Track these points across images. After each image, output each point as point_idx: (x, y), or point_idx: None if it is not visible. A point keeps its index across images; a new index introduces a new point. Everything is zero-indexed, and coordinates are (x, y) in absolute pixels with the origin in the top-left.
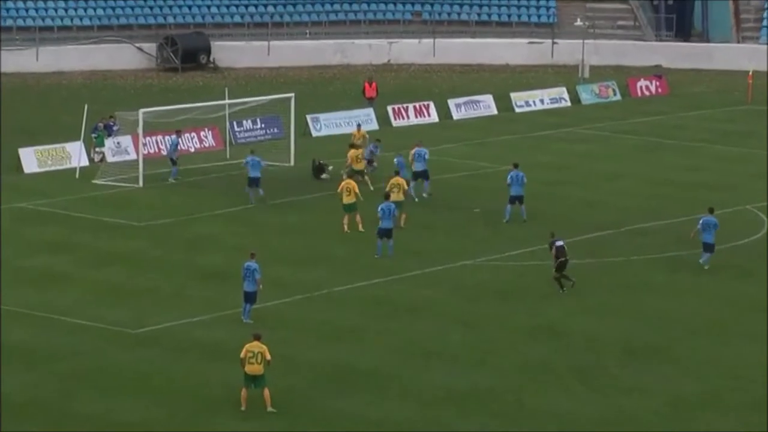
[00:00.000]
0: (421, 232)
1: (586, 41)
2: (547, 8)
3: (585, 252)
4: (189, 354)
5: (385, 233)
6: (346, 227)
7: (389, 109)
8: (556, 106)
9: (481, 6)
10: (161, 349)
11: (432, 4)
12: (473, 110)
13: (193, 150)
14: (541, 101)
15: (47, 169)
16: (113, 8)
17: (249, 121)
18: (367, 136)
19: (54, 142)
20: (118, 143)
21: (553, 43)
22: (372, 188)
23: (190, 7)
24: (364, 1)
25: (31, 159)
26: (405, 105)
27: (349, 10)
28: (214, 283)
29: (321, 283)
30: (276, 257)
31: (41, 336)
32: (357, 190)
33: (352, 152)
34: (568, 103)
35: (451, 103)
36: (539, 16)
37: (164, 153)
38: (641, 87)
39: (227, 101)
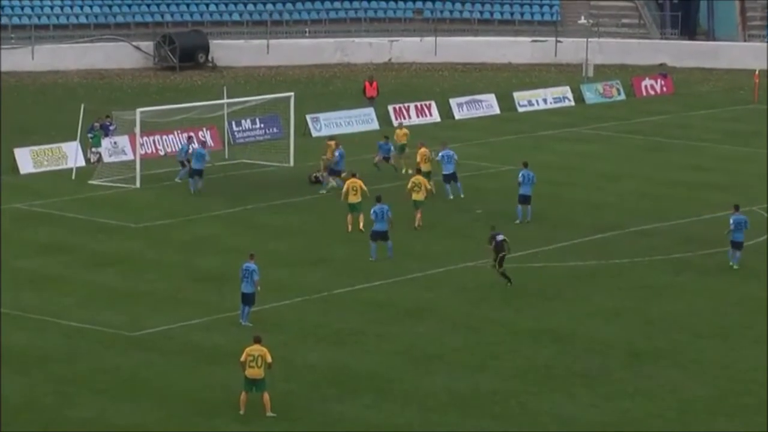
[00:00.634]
0: (423, 233)
1: (590, 40)
2: (551, 6)
3: (590, 254)
4: (186, 357)
5: (380, 236)
6: (350, 227)
7: (390, 108)
8: (559, 105)
9: (483, 4)
10: (158, 352)
11: (433, 2)
12: (475, 110)
13: (190, 150)
14: (545, 101)
15: (43, 169)
16: (110, 6)
17: (248, 121)
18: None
19: (50, 142)
20: (115, 143)
21: (557, 41)
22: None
23: (188, 5)
24: None
25: (27, 159)
26: (406, 104)
27: (350, 8)
28: (212, 285)
29: (321, 286)
30: (275, 259)
31: (36, 339)
32: (364, 188)
33: (422, 151)
34: (572, 103)
35: (453, 102)
36: (542, 14)
37: (161, 153)
38: (646, 86)
39: (226, 101)
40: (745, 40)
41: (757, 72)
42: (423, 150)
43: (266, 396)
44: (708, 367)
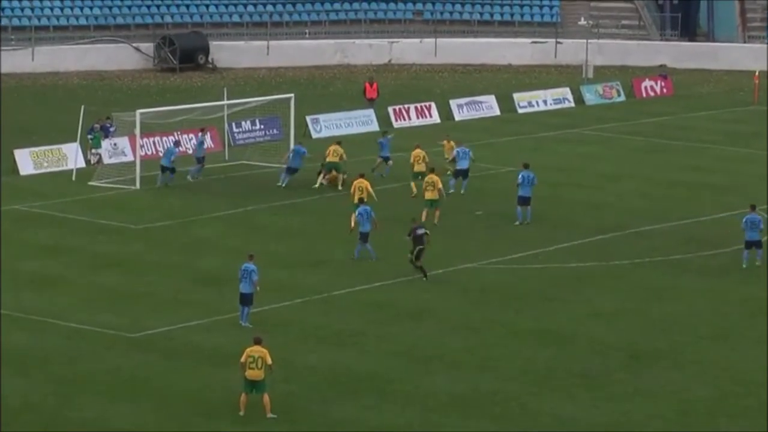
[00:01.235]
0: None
1: (590, 41)
2: (551, 7)
3: (590, 255)
4: (187, 358)
5: (363, 237)
6: (353, 224)
7: (390, 110)
8: (559, 106)
9: (483, 5)
10: (159, 353)
11: (433, 3)
12: (475, 111)
13: (191, 151)
14: (545, 102)
15: (43, 170)
16: (110, 8)
17: (248, 122)
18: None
19: (50, 144)
20: (115, 144)
21: (557, 42)
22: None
23: (188, 7)
24: (365, 0)
25: (27, 160)
26: (406, 106)
27: (350, 9)
28: (213, 286)
29: (321, 287)
30: (275, 260)
31: (36, 340)
32: (370, 189)
33: (416, 152)
34: (572, 104)
35: (453, 103)
36: (542, 16)
37: (161, 153)
38: (646, 87)
39: (226, 102)
40: (745, 42)
41: (757, 73)
42: (417, 151)
43: (266, 397)
44: (709, 368)
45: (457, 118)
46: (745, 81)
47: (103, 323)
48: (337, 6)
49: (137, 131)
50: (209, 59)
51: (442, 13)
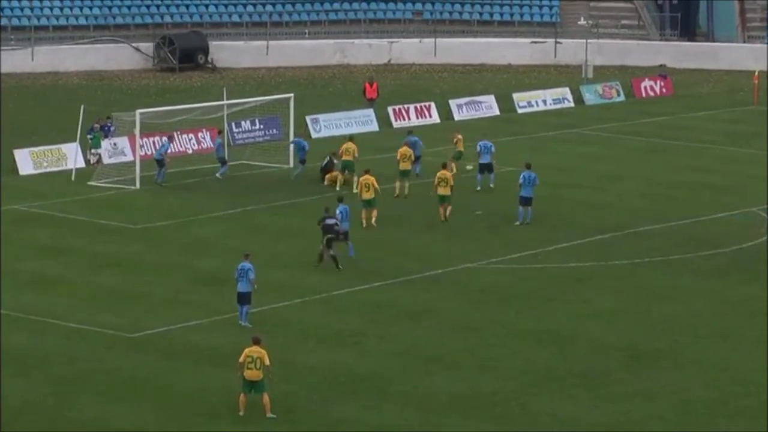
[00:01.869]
0: (422, 234)
1: (589, 41)
2: (550, 7)
3: (590, 255)
4: (186, 358)
5: (344, 236)
6: (365, 222)
7: (390, 110)
8: (559, 106)
9: (483, 5)
10: (158, 353)
11: (433, 3)
12: (475, 111)
13: (190, 151)
14: (544, 102)
15: (43, 170)
16: (110, 8)
17: (247, 122)
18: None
19: (49, 143)
20: (115, 144)
21: (556, 42)
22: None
23: (187, 7)
24: (364, 0)
25: (27, 160)
26: (406, 106)
27: (349, 9)
28: (212, 286)
29: (320, 287)
30: (274, 260)
31: (36, 340)
32: (376, 186)
33: (402, 150)
34: (572, 104)
35: (453, 103)
36: (542, 16)
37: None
38: (645, 87)
39: (225, 102)
40: (744, 42)
41: (756, 73)
42: (404, 149)
43: (266, 397)
44: (708, 369)
45: (456, 118)
46: (745, 81)
47: (102, 323)
48: (336, 6)
49: (137, 131)
50: (209, 59)
51: (441, 13)
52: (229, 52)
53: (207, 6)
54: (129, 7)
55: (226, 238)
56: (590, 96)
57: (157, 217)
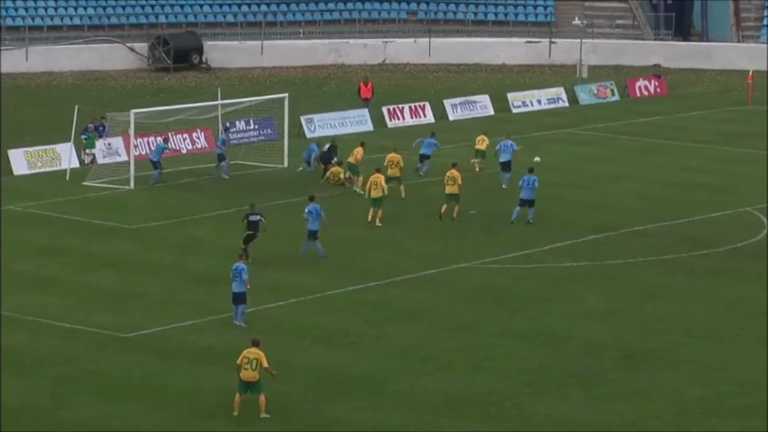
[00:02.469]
0: (417, 234)
1: (584, 41)
2: (545, 7)
3: (584, 255)
4: (181, 358)
5: (311, 235)
6: (369, 217)
7: (384, 109)
8: (553, 106)
9: (477, 5)
10: (153, 353)
11: (428, 3)
12: (469, 111)
13: (184, 151)
14: (539, 102)
15: (37, 170)
16: (104, 8)
17: (242, 122)
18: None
19: (44, 144)
20: (109, 144)
21: (551, 42)
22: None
23: (182, 7)
24: (359, 0)
25: (21, 160)
26: (400, 106)
27: (344, 9)
28: (207, 286)
29: (315, 287)
30: (269, 260)
31: (31, 340)
32: (384, 184)
33: (390, 156)
34: (566, 104)
35: (447, 103)
36: (536, 15)
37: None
38: (640, 87)
39: (220, 102)
40: (738, 41)
41: (751, 73)
42: (392, 155)
43: (262, 398)
44: (703, 368)
45: (451, 117)
46: (739, 81)
47: (97, 323)
48: (331, 6)
49: (131, 131)
50: (203, 59)
51: (436, 13)
52: (224, 52)
53: (201, 6)
54: (123, 7)
55: (220, 238)
56: (585, 96)
57: (151, 217)
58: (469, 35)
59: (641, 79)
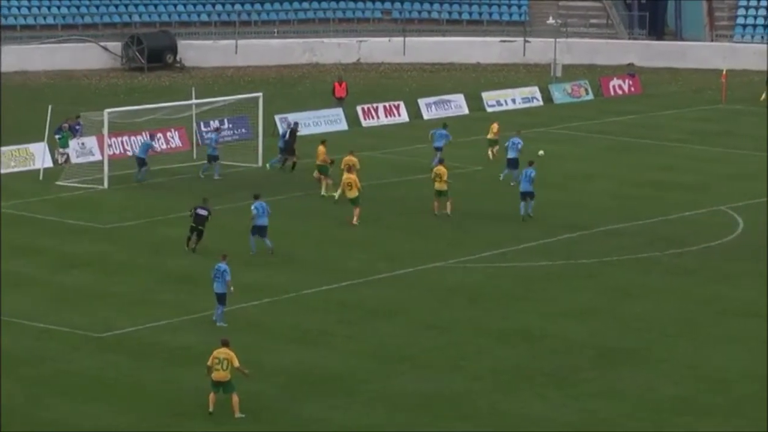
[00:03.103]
0: (392, 233)
1: (558, 40)
2: (519, 6)
3: (559, 254)
4: (156, 358)
5: (259, 231)
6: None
7: (359, 109)
8: (528, 105)
9: (451, 4)
10: (128, 353)
11: (402, 2)
12: (444, 110)
13: (158, 150)
14: (513, 101)
15: (10, 170)
16: (77, 7)
17: (216, 122)
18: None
19: (17, 143)
20: (83, 144)
21: (525, 41)
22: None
23: (156, 6)
24: None
25: None
26: (375, 105)
27: (318, 9)
28: (181, 286)
29: (289, 286)
30: (244, 260)
31: (5, 340)
32: (358, 185)
33: (347, 159)
34: (541, 103)
35: (422, 102)
36: (511, 15)
37: (129, 152)
38: (614, 86)
39: (194, 101)
40: (712, 41)
41: (724, 72)
42: (348, 157)
43: (235, 398)
44: (677, 367)
45: (425, 117)
46: (713, 80)
47: (71, 323)
48: (305, 5)
49: (105, 131)
50: (177, 58)
51: (410, 12)
52: (198, 52)
53: (175, 5)
54: (97, 7)
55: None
56: (559, 95)
57: (125, 216)
58: (443, 35)
59: (615, 79)
